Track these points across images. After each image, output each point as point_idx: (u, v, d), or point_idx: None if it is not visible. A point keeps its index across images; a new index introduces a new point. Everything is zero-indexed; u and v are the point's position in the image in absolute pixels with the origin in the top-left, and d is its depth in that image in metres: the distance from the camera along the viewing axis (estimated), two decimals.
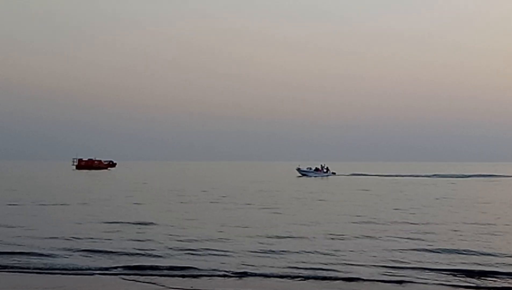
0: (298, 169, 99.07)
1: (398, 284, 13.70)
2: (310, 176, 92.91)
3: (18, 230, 22.53)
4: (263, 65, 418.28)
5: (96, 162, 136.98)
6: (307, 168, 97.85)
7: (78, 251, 17.76)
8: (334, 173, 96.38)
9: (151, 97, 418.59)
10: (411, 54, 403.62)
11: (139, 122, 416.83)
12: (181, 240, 19.97)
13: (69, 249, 17.96)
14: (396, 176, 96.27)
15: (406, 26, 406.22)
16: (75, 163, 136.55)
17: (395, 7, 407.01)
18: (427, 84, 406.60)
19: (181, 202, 37.44)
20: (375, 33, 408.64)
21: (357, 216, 28.47)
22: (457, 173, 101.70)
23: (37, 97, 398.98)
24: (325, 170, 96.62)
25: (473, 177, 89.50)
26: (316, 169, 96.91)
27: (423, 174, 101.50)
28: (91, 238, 20.23)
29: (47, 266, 15.71)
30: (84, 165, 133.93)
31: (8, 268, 15.37)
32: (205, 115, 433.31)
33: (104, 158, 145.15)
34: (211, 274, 14.69)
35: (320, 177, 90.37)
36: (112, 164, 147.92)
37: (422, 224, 25.15)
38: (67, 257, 16.83)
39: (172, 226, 24.16)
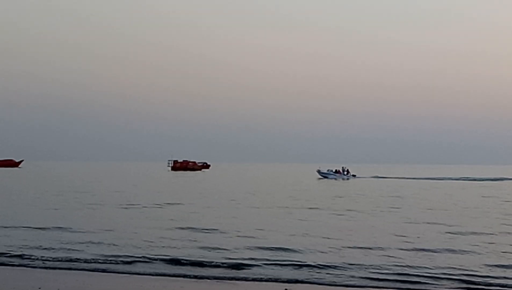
0: (319, 171, 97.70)
1: None
2: (331, 178, 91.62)
3: (86, 235, 22.20)
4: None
5: (190, 163, 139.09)
6: (328, 170, 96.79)
7: (153, 258, 17.32)
8: (354, 176, 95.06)
9: (249, 100, 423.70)
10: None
11: (233, 125, 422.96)
12: (263, 248, 19.18)
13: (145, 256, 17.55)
14: (420, 179, 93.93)
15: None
16: (170, 165, 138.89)
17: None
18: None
19: (259, 207, 35.92)
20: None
21: (442, 224, 26.49)
22: (483, 177, 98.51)
23: (138, 102, 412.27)
24: (345, 173, 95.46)
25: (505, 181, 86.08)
26: (336, 171, 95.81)
27: (448, 176, 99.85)
28: (164, 246, 19.73)
29: (125, 270, 15.68)
30: (179, 166, 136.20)
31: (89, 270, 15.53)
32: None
33: (199, 160, 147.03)
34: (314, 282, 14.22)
35: (341, 179, 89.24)
36: (206, 166, 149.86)
37: None
38: (146, 262, 16.66)
39: (244, 233, 23.22)
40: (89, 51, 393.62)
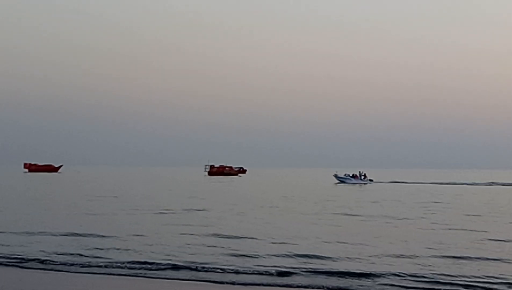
0: (335, 176, 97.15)
1: None
2: (348, 183, 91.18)
3: (121, 241, 22.40)
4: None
5: (227, 168, 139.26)
6: (345, 175, 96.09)
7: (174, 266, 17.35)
8: (371, 180, 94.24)
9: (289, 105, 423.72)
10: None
11: (271, 130, 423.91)
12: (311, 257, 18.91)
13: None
14: (446, 184, 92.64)
15: None
16: (207, 170, 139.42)
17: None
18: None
19: (301, 214, 35.56)
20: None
21: (480, 231, 25.85)
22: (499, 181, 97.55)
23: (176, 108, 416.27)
24: (362, 177, 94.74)
25: None
26: (354, 176, 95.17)
27: (477, 181, 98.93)
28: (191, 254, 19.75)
29: (161, 275, 15.98)
30: (216, 171, 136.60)
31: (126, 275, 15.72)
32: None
33: (235, 165, 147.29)
34: None
35: (358, 184, 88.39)
36: (242, 171, 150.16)
37: None
38: (181, 268, 16.85)
39: (282, 240, 22.97)
40: (120, 59, 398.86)
